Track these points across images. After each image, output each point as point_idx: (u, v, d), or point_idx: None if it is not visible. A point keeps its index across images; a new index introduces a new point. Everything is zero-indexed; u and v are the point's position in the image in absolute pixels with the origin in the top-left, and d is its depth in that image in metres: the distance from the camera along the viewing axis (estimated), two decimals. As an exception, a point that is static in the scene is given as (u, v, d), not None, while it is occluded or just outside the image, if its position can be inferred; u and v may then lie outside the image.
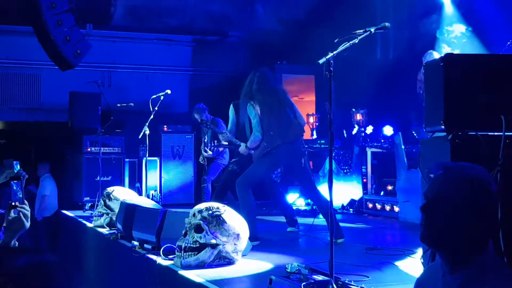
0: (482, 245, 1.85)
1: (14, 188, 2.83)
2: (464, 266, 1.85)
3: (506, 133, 3.20)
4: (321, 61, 3.58)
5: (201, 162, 8.85)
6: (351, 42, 3.72)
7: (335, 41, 3.75)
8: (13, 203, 2.78)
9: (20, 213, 2.75)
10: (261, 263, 4.82)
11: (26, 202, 2.84)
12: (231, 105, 6.89)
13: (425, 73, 3.68)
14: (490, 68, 3.41)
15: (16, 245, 2.82)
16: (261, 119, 6.05)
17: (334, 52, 3.61)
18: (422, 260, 3.45)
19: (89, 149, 9.65)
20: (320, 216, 6.75)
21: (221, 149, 8.29)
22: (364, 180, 9.04)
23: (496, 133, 3.26)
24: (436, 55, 8.06)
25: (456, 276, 1.85)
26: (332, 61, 3.57)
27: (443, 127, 3.31)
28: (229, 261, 4.65)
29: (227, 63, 11.97)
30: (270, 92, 6.16)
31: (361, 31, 3.83)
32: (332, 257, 3.52)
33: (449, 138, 3.23)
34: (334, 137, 3.66)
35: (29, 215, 2.80)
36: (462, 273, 1.84)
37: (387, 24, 3.93)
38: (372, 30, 3.88)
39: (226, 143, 7.15)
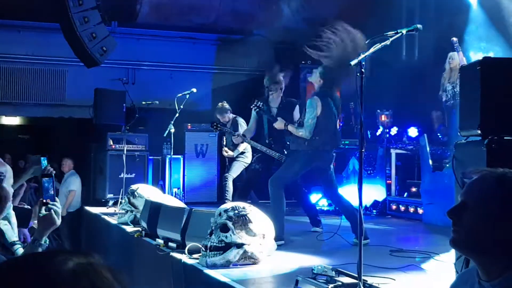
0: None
1: (46, 185, 2.84)
2: (502, 273, 1.81)
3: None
4: (353, 63, 3.54)
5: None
6: (382, 43, 3.68)
7: (366, 42, 3.71)
8: (44, 200, 2.79)
9: (52, 210, 2.76)
10: (286, 264, 4.81)
11: (57, 199, 2.86)
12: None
13: (461, 76, 3.63)
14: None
15: (47, 242, 2.84)
16: (318, 121, 6.01)
17: (366, 54, 3.57)
18: (455, 266, 3.40)
19: (113, 146, 9.67)
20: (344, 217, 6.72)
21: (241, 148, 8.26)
22: (388, 181, 8.97)
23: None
24: (457, 56, 7.98)
25: (493, 283, 1.82)
26: (364, 63, 3.54)
27: (479, 131, 3.26)
28: (254, 261, 4.64)
29: (251, 62, 11.98)
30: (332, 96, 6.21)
31: (392, 32, 3.78)
32: (361, 260, 3.50)
33: (485, 143, 3.18)
34: (364, 139, 3.62)
35: (60, 212, 2.81)
36: (500, 279, 1.80)
37: (418, 26, 3.88)
38: (404, 31, 3.83)
39: (242, 143, 7.12)
